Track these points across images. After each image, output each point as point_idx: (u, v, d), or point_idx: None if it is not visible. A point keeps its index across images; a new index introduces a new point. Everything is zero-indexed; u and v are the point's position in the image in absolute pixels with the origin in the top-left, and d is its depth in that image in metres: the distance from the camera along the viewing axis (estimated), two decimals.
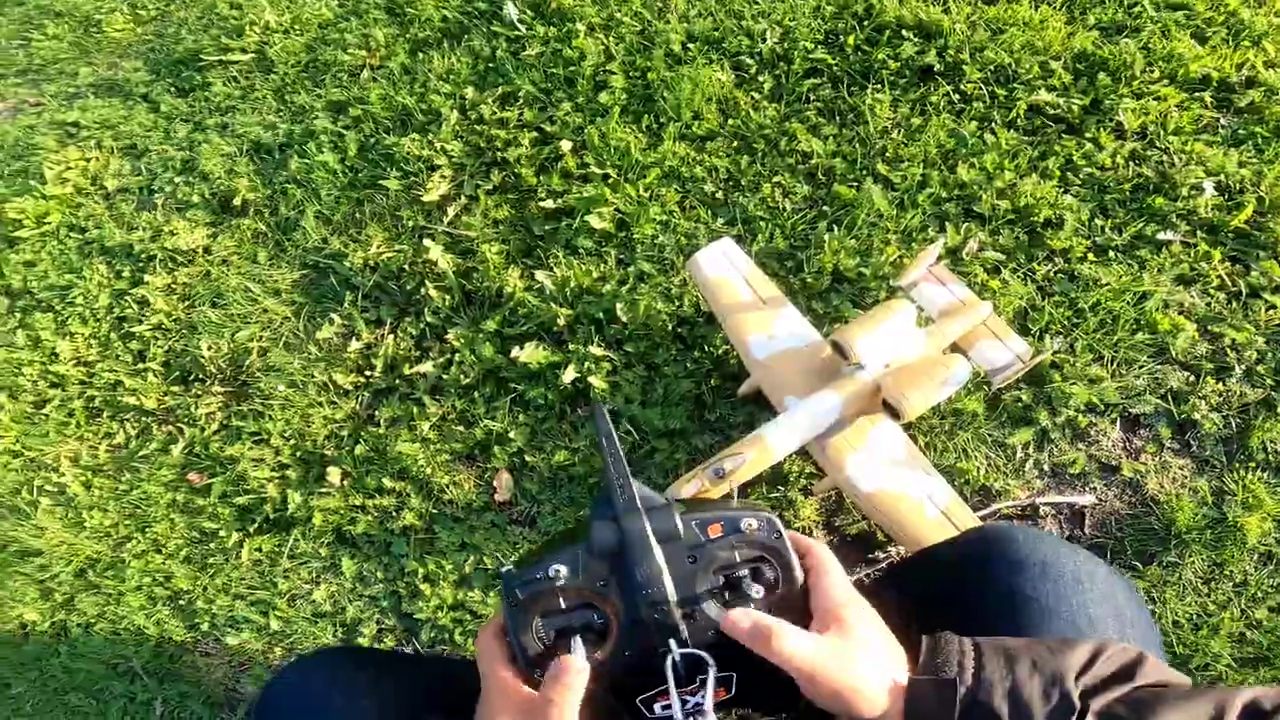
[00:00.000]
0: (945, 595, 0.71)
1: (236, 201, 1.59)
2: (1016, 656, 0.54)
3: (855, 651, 0.55)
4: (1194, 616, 1.09)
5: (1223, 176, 1.25)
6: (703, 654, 0.58)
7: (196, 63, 1.85)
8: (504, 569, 0.60)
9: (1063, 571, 0.65)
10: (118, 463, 1.46)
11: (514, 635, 0.59)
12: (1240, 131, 1.30)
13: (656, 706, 0.59)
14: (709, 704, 0.57)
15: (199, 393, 1.46)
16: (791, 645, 0.54)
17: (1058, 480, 1.16)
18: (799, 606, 0.60)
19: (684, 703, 0.58)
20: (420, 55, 1.62)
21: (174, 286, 1.58)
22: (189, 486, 1.39)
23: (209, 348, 1.47)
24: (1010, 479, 1.15)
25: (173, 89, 1.85)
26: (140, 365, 1.52)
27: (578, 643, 0.58)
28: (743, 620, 0.57)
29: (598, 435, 0.59)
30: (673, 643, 0.58)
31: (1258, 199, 1.23)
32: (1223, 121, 1.31)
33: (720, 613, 0.59)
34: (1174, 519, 1.11)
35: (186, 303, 1.56)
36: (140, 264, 1.61)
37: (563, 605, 0.59)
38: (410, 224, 1.45)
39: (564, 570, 0.58)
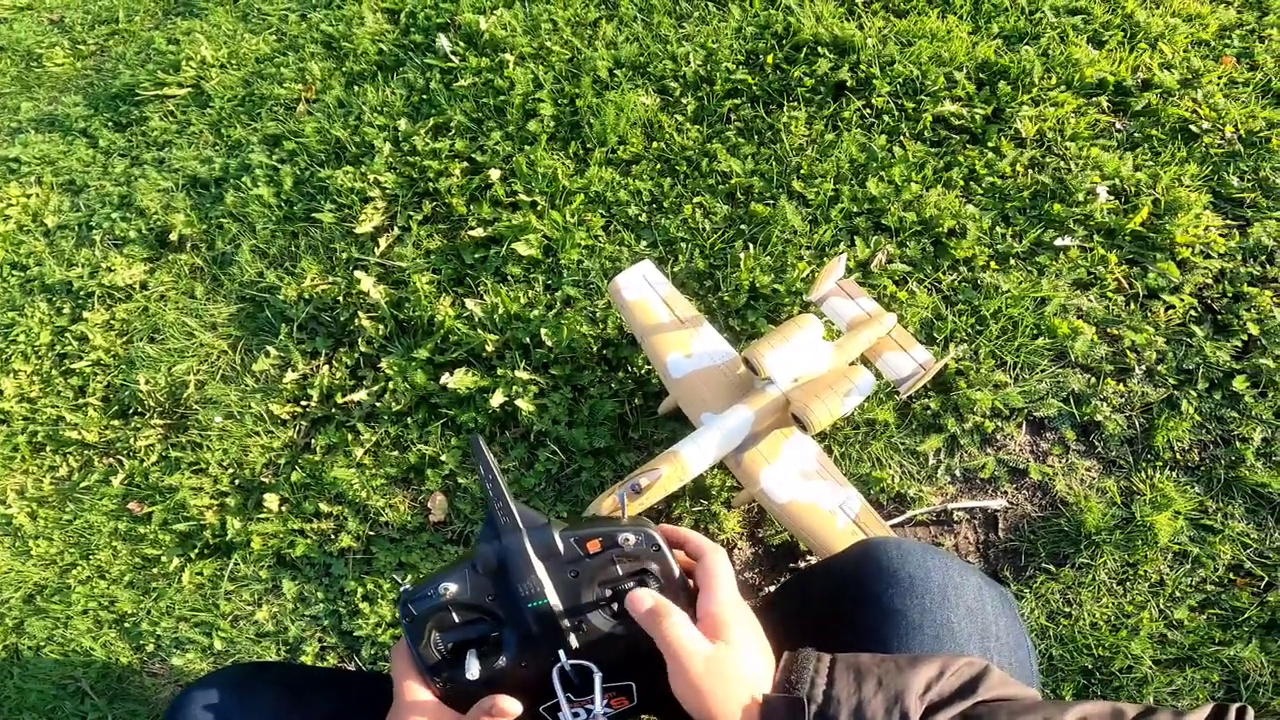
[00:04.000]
0: (828, 609, 0.73)
1: (173, 236, 1.61)
2: (865, 674, 0.56)
3: (727, 660, 0.57)
4: (1112, 618, 1.11)
5: (1118, 180, 1.30)
6: (589, 664, 0.62)
7: (134, 97, 1.86)
8: (402, 588, 0.63)
9: (929, 585, 0.67)
10: (61, 494, 1.49)
11: (412, 647, 0.62)
12: (1136, 135, 1.35)
13: (561, 716, 0.62)
14: (598, 708, 0.61)
15: (138, 425, 1.49)
16: (678, 628, 0.58)
17: (969, 485, 1.20)
18: (683, 609, 0.62)
19: (588, 712, 0.61)
20: (355, 88, 1.65)
21: (112, 323, 1.60)
22: (130, 515, 1.43)
23: (147, 382, 1.50)
24: (924, 485, 1.19)
25: (111, 124, 1.87)
26: (81, 400, 1.54)
27: (471, 656, 0.61)
28: (645, 599, 0.60)
29: (477, 464, 0.62)
30: (562, 653, 0.62)
31: (1154, 201, 1.28)
32: (1118, 125, 1.37)
33: (608, 622, 0.62)
34: (1083, 520, 1.14)
35: (124, 338, 1.59)
36: (80, 301, 1.63)
37: (456, 620, 0.62)
38: (344, 256, 1.48)
39: (453, 587, 0.61)
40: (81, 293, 1.62)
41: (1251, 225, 1.26)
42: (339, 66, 1.71)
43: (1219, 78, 1.37)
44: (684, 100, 1.49)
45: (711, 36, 1.54)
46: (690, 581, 0.65)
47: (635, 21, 1.59)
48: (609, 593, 0.63)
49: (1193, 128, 1.33)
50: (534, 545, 0.61)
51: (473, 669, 0.60)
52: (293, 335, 1.45)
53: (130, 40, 2.02)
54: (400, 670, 0.63)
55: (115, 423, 1.50)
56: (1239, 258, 1.24)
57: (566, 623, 0.62)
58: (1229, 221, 1.27)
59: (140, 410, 1.50)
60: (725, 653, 0.58)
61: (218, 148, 1.71)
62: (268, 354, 1.45)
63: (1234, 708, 0.50)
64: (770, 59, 1.48)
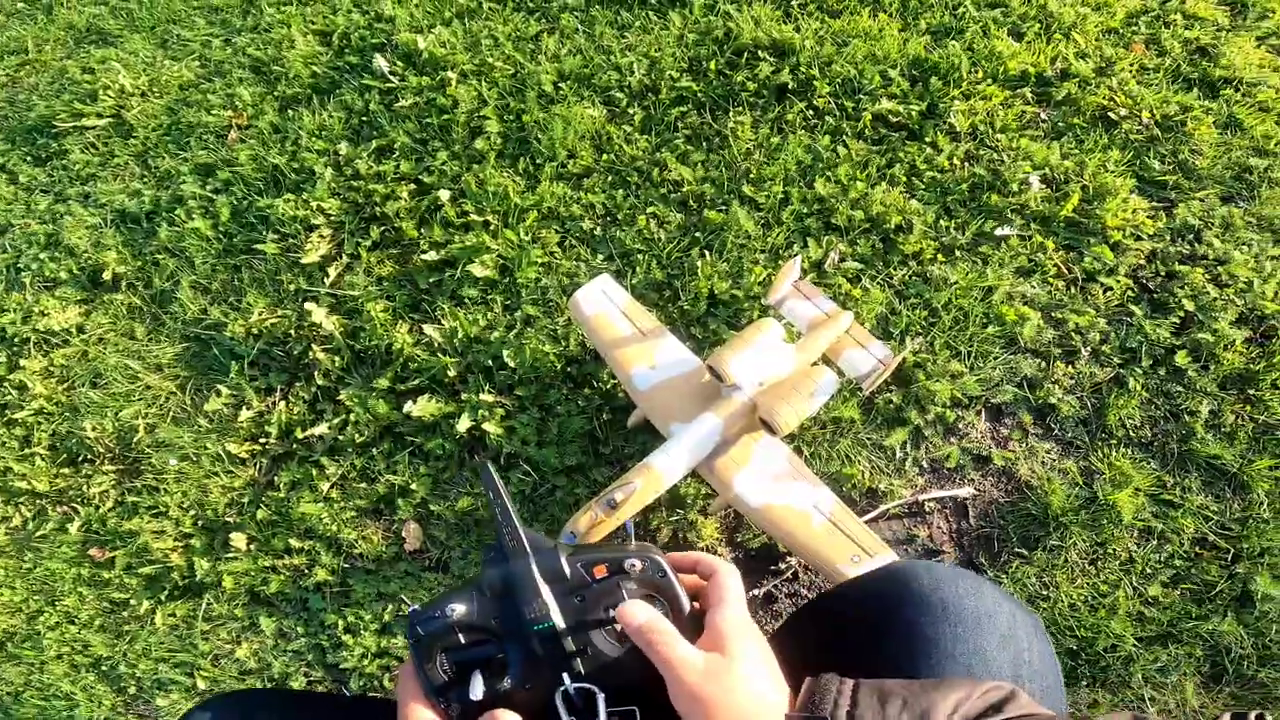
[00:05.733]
0: (852, 634, 0.72)
1: (106, 275, 1.55)
2: (889, 696, 0.56)
3: (730, 672, 0.57)
4: (1089, 598, 1.14)
5: (1048, 169, 1.35)
6: (592, 687, 0.62)
7: (51, 130, 1.78)
8: (411, 609, 0.64)
9: (963, 613, 0.66)
10: (18, 544, 1.44)
11: (418, 668, 0.62)
12: (1060, 124, 1.41)
13: None
14: None
15: (89, 473, 1.44)
16: (671, 643, 0.57)
17: (937, 475, 1.23)
18: (690, 637, 0.62)
19: None
20: (290, 113, 1.61)
21: (51, 369, 1.53)
22: (92, 561, 1.39)
23: (94, 428, 1.44)
24: (894, 479, 1.22)
25: (29, 158, 1.78)
26: (27, 450, 1.48)
27: (477, 676, 0.61)
28: (637, 614, 0.60)
29: (485, 489, 0.63)
30: (565, 676, 0.62)
31: (1082, 188, 1.33)
32: (1043, 115, 1.42)
33: (613, 647, 0.62)
34: (1049, 502, 1.17)
35: (66, 385, 1.52)
36: (15, 348, 1.56)
37: (462, 641, 0.62)
38: (291, 287, 1.44)
39: (460, 608, 0.62)
40: (16, 339, 1.55)
41: (1176, 206, 1.32)
42: (270, 91, 1.65)
43: (1131, 64, 1.44)
44: (631, 110, 1.49)
45: (654, 45, 1.54)
46: (698, 606, 0.65)
47: (577, 34, 1.59)
48: (615, 618, 0.63)
49: (1111, 115, 1.40)
50: (540, 569, 0.62)
51: (477, 689, 0.60)
52: (244, 372, 1.40)
53: (42, 71, 1.92)
54: (405, 692, 0.63)
55: (65, 471, 1.45)
56: (1168, 238, 1.31)
57: (571, 646, 0.62)
58: (1155, 204, 1.34)
59: (90, 457, 1.45)
60: (726, 665, 0.57)
61: (146, 179, 1.64)
62: (219, 393, 1.40)
63: (1252, 714, 0.52)
64: (713, 65, 1.50)
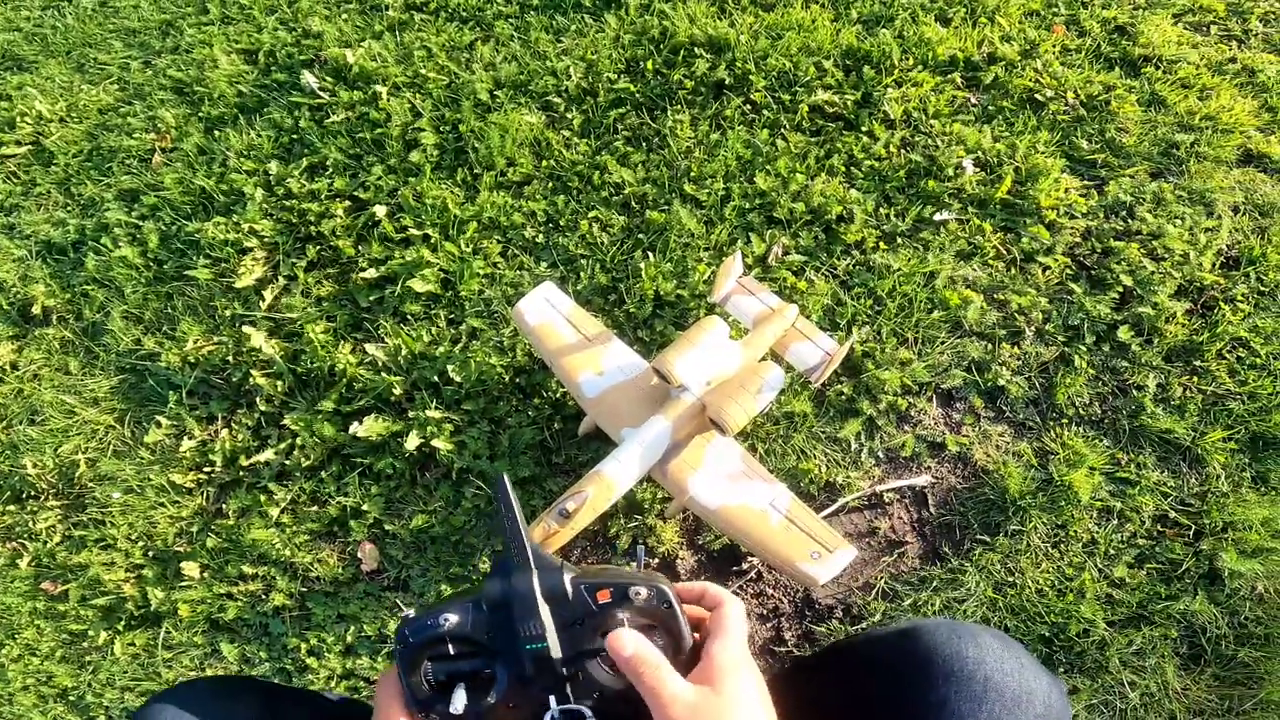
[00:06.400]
0: (878, 695, 0.71)
1: (36, 310, 1.49)
2: None
3: (715, 708, 0.56)
4: (1055, 583, 1.14)
5: (981, 153, 1.37)
6: (582, 708, 0.60)
7: None
8: (404, 614, 0.62)
9: (1004, 691, 0.65)
10: None
11: (403, 675, 0.61)
12: (990, 108, 1.43)
13: None
14: None
15: (34, 509, 1.39)
16: (662, 677, 0.56)
17: (894, 465, 1.23)
18: (686, 671, 0.61)
19: None
20: (215, 134, 1.56)
21: None
22: (46, 594, 1.35)
23: (34, 465, 1.40)
24: (850, 471, 1.22)
25: None
26: None
27: (460, 690, 0.60)
28: (627, 644, 0.58)
29: (496, 501, 0.62)
30: (553, 699, 0.60)
31: (1015, 170, 1.35)
32: (973, 100, 1.44)
33: (606, 675, 0.61)
34: (1007, 486, 1.18)
35: (3, 423, 1.47)
36: None
37: (451, 652, 0.61)
38: (227, 313, 1.39)
39: (453, 619, 0.60)
40: None
41: (1107, 184, 1.35)
42: (194, 112, 1.60)
43: (1054, 46, 1.46)
44: (569, 115, 1.48)
45: (590, 48, 1.53)
46: (699, 637, 0.64)
47: (512, 40, 1.57)
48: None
49: (1038, 96, 1.42)
50: (542, 588, 0.60)
51: (458, 703, 0.59)
52: (183, 402, 1.36)
53: None
54: (384, 700, 0.61)
55: (10, 508, 1.40)
56: (1101, 215, 1.33)
57: (563, 670, 0.60)
58: (1086, 182, 1.36)
59: (34, 494, 1.40)
60: (714, 701, 0.56)
61: (69, 208, 1.59)
62: (159, 424, 1.36)
63: None
64: (650, 64, 1.49)
